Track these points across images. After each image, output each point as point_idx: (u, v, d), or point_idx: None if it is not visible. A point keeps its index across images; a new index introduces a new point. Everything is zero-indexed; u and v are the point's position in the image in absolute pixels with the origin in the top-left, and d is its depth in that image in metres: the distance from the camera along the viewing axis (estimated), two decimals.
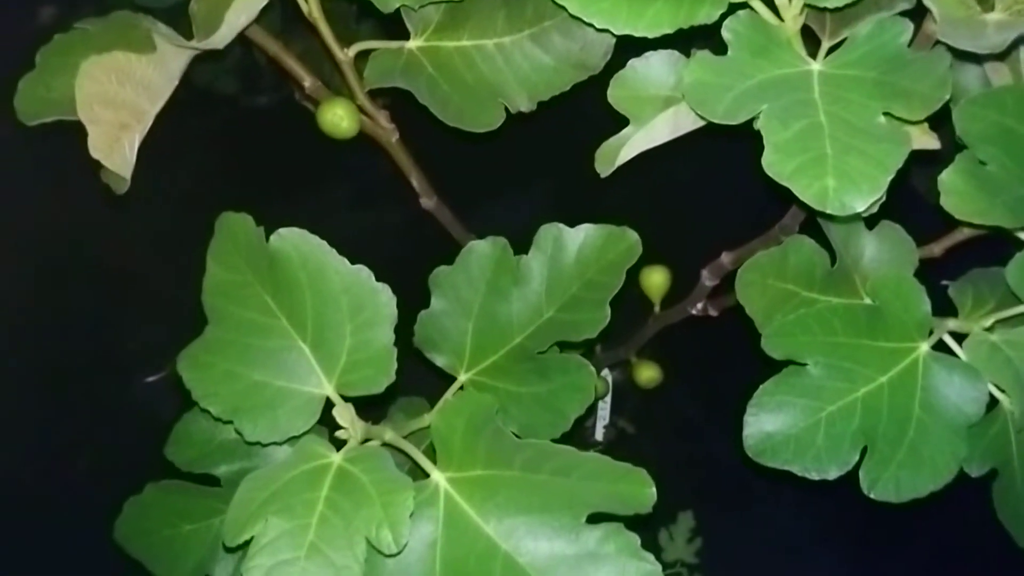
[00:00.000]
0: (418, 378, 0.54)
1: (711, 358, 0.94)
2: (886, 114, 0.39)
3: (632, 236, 0.48)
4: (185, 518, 0.50)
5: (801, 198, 0.36)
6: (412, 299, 0.51)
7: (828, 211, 0.36)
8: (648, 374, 0.85)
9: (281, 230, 0.44)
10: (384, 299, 0.44)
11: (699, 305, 0.75)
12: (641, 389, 0.87)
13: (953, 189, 0.42)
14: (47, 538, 0.78)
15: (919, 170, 0.48)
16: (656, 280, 0.80)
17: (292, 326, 0.45)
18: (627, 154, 0.44)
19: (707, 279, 0.70)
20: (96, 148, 0.39)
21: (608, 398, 0.95)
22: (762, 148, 0.37)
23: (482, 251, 0.50)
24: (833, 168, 0.37)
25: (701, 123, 0.45)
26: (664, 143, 0.46)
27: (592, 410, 0.69)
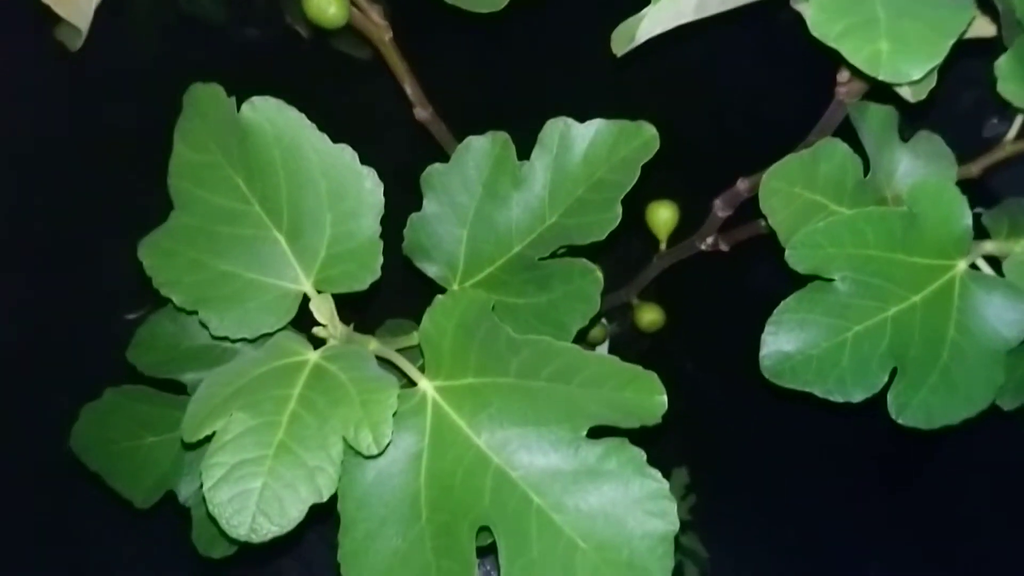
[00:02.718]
0: (408, 304, 0.50)
1: (714, 305, 0.90)
2: None
3: (649, 130, 0.43)
4: (148, 428, 0.46)
5: (851, 62, 0.32)
6: (403, 218, 0.47)
7: (881, 77, 0.32)
8: (650, 317, 0.81)
9: (254, 99, 0.39)
10: (369, 185, 0.40)
11: (709, 240, 0.70)
12: (640, 340, 0.83)
13: (1011, 74, 0.37)
14: (9, 457, 0.74)
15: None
16: (663, 216, 0.76)
17: (266, 213, 0.40)
18: (648, 30, 0.39)
19: (720, 209, 0.65)
20: None
21: (605, 348, 0.91)
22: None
23: (480, 148, 0.45)
24: (886, 31, 0.32)
25: (730, 4, 0.40)
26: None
27: None
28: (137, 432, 0.45)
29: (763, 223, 0.63)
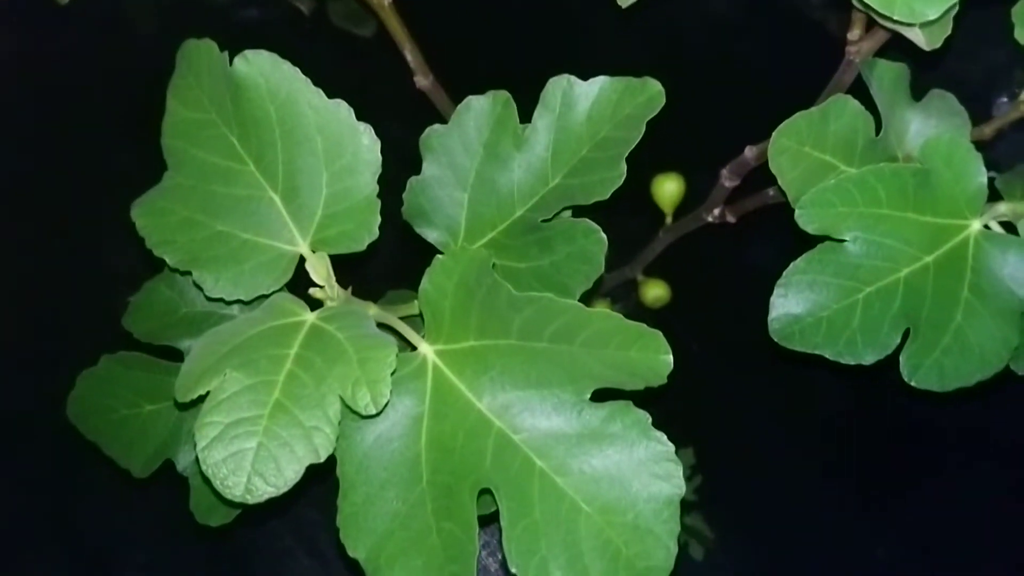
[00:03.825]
0: (409, 274, 0.49)
1: (720, 280, 0.89)
2: None
3: (654, 85, 0.42)
4: (145, 396, 0.45)
5: (867, 1, 0.31)
6: (402, 187, 0.46)
7: (896, 16, 0.31)
8: (656, 292, 0.80)
9: (247, 52, 0.38)
10: (366, 142, 0.39)
11: (716, 211, 0.69)
12: (645, 317, 0.82)
13: None
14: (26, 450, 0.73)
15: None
16: (670, 188, 0.75)
17: (260, 172, 0.39)
18: None
19: (727, 179, 0.64)
20: None
21: None
22: None
23: (480, 108, 0.44)
24: None
25: None
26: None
27: None
28: (135, 400, 0.45)
29: (772, 192, 0.62)
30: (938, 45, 0.38)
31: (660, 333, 0.35)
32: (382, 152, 0.41)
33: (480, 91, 0.50)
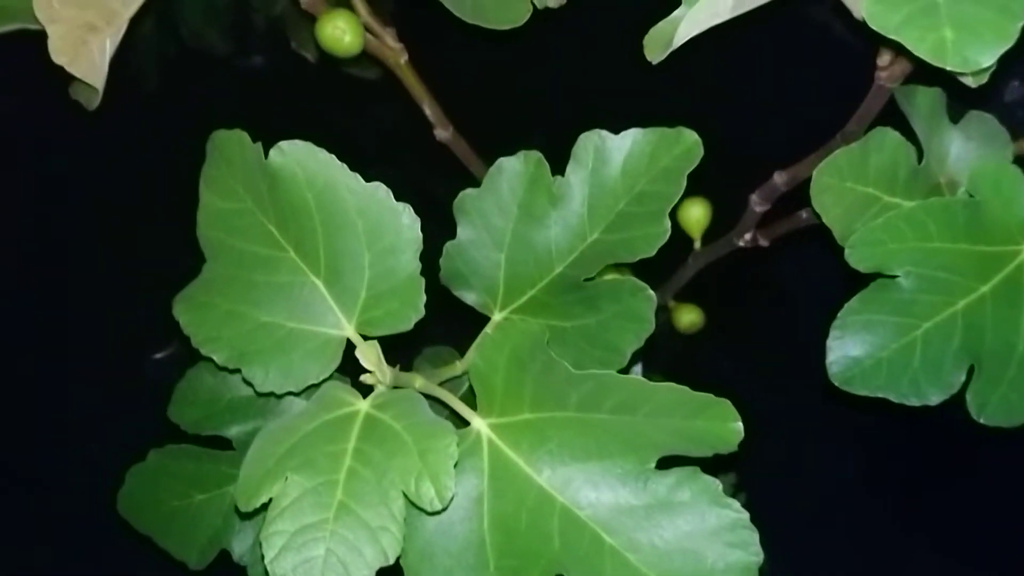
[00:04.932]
0: (445, 329, 0.49)
1: (753, 302, 0.87)
2: None
3: (690, 136, 0.41)
4: (195, 486, 0.44)
5: (916, 54, 0.30)
6: (432, 242, 0.45)
7: (949, 67, 0.30)
8: (689, 318, 0.79)
9: (282, 143, 0.37)
10: (407, 220, 0.38)
11: (747, 236, 0.68)
12: (676, 338, 0.81)
13: None
14: (54, 521, 0.73)
15: None
16: (696, 214, 0.73)
17: (301, 258, 0.39)
18: (686, 33, 0.37)
19: (757, 204, 0.63)
20: (58, 52, 0.33)
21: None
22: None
23: (513, 169, 0.44)
24: (948, 17, 0.30)
25: None
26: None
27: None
28: (185, 491, 0.44)
29: (805, 215, 0.61)
30: (984, 81, 0.37)
31: (728, 402, 0.34)
32: (401, 198, 0.40)
33: (500, 139, 0.49)
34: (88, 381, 0.80)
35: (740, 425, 0.34)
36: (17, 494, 0.73)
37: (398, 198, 0.40)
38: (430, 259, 0.45)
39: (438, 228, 0.47)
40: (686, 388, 0.34)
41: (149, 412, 0.48)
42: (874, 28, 0.31)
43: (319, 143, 0.41)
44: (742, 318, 0.82)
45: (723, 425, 0.34)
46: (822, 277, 0.50)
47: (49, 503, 0.71)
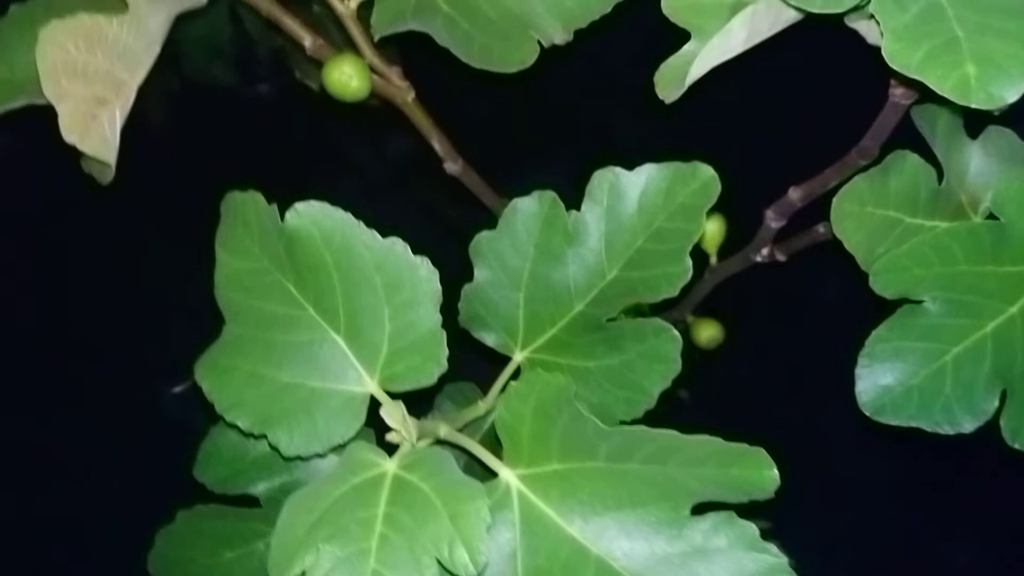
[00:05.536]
0: (465, 363, 0.48)
1: (773, 314, 0.86)
2: None
3: (706, 172, 0.40)
4: (225, 545, 0.44)
5: (939, 92, 0.29)
6: (448, 279, 0.45)
7: (974, 105, 0.29)
8: (709, 333, 0.78)
9: (297, 205, 0.37)
10: (424, 274, 0.38)
11: (764, 251, 0.67)
12: (696, 352, 0.80)
13: None
14: (77, 570, 0.73)
15: None
16: (711, 229, 0.73)
17: (321, 316, 0.38)
18: (699, 70, 0.37)
19: (772, 220, 0.62)
20: (68, 129, 0.33)
21: None
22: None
23: (528, 209, 0.43)
24: (970, 52, 0.29)
25: (780, 26, 0.38)
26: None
27: None
28: (214, 550, 0.44)
29: (822, 230, 0.60)
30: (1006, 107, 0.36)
31: (762, 450, 0.33)
32: (412, 227, 0.40)
33: (510, 170, 0.49)
34: (106, 423, 0.80)
35: (776, 473, 0.33)
36: (44, 543, 0.73)
37: (408, 228, 0.40)
38: (448, 293, 0.44)
39: (452, 257, 0.46)
40: (719, 439, 0.33)
41: (169, 456, 0.48)
42: (895, 68, 0.30)
43: (329, 176, 0.40)
44: (762, 332, 0.81)
45: (759, 473, 0.33)
46: (842, 290, 0.49)
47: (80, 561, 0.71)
